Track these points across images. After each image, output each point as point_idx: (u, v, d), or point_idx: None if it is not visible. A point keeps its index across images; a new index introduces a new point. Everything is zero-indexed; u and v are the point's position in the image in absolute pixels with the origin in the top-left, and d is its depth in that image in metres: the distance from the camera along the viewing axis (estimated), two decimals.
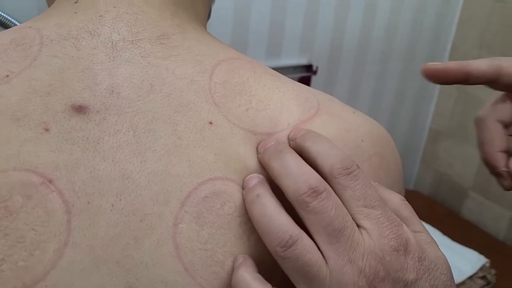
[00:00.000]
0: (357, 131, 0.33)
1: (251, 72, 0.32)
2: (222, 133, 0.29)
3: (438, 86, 1.54)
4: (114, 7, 0.31)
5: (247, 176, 0.28)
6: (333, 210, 0.26)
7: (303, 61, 1.14)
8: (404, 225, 0.28)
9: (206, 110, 0.29)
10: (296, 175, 0.26)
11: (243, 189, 0.28)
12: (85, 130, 0.27)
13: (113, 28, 0.30)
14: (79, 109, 0.27)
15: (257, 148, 0.29)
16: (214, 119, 0.29)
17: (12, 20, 0.64)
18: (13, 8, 0.73)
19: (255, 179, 0.28)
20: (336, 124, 0.32)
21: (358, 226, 0.26)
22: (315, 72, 1.15)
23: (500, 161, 0.36)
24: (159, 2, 0.32)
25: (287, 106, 0.31)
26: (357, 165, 0.27)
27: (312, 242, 0.26)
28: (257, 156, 0.29)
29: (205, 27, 0.37)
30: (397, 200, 0.30)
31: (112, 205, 0.26)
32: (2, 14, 0.64)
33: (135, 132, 0.27)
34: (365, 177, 0.28)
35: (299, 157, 0.28)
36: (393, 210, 0.28)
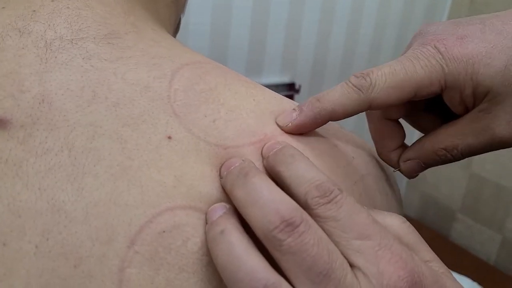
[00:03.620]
0: (346, 146, 0.29)
1: (221, 78, 0.27)
2: (184, 149, 0.24)
3: None
4: (52, 0, 0.26)
5: (215, 203, 0.23)
6: (315, 247, 0.20)
7: (285, 79, 1.11)
8: (414, 255, 0.22)
9: (163, 122, 0.24)
10: (264, 203, 0.21)
11: (206, 222, 0.23)
12: (4, 150, 0.22)
13: (49, 25, 0.25)
14: None
15: (220, 170, 0.24)
16: (174, 133, 0.24)
17: None
18: None
19: (220, 210, 0.22)
20: (322, 137, 0.28)
21: (351, 265, 0.21)
22: (298, 91, 1.12)
23: (394, 161, 0.33)
24: None
25: (263, 115, 0.27)
26: (339, 189, 0.22)
27: None
28: (220, 181, 0.24)
29: (170, 33, 0.32)
30: (397, 223, 0.24)
31: (36, 246, 0.21)
32: None
33: (71, 151, 0.22)
34: (351, 202, 0.22)
35: (269, 180, 0.22)
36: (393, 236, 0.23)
